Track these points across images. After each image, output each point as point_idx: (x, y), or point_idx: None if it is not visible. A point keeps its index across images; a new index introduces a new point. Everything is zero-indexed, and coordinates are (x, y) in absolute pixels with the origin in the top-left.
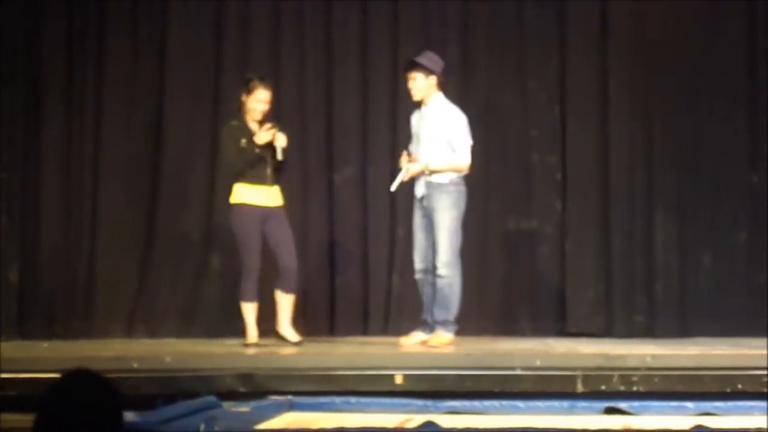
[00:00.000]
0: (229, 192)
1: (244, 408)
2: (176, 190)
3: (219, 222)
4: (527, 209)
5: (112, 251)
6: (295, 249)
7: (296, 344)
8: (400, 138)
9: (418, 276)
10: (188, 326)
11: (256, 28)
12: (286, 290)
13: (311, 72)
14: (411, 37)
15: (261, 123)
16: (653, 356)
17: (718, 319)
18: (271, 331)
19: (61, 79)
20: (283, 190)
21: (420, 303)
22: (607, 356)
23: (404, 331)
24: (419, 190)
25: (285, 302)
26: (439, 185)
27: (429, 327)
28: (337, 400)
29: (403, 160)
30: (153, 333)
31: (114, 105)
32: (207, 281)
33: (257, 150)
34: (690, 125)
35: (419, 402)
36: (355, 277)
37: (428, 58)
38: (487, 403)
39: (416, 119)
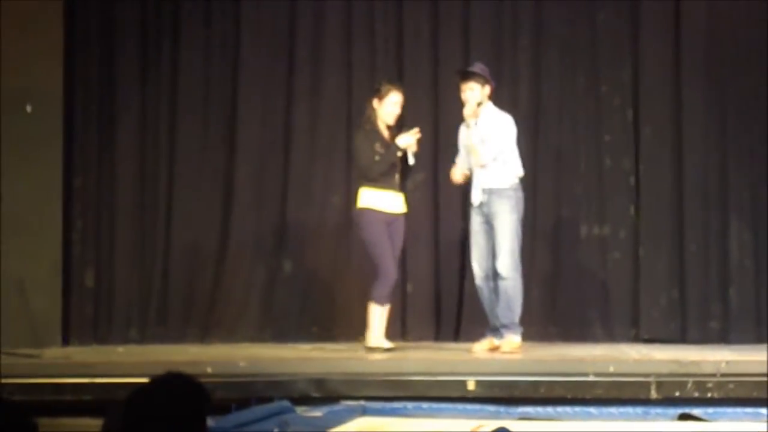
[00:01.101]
0: (355, 196)
1: (317, 413)
2: (250, 193)
3: (292, 226)
4: (600, 214)
5: (187, 256)
6: (399, 259)
7: (388, 350)
8: None
9: (479, 282)
10: (262, 331)
11: (328, 31)
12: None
13: (383, 76)
14: (482, 41)
15: (390, 129)
16: (728, 362)
17: None
18: (343, 335)
19: (135, 82)
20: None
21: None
22: (681, 362)
23: (476, 337)
24: (476, 197)
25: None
26: (499, 190)
27: (499, 332)
28: (410, 405)
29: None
30: (227, 338)
31: (188, 108)
32: (280, 286)
33: (399, 153)
34: (765, 128)
35: (491, 408)
36: (427, 283)
37: (480, 68)
38: (560, 409)
39: (465, 130)
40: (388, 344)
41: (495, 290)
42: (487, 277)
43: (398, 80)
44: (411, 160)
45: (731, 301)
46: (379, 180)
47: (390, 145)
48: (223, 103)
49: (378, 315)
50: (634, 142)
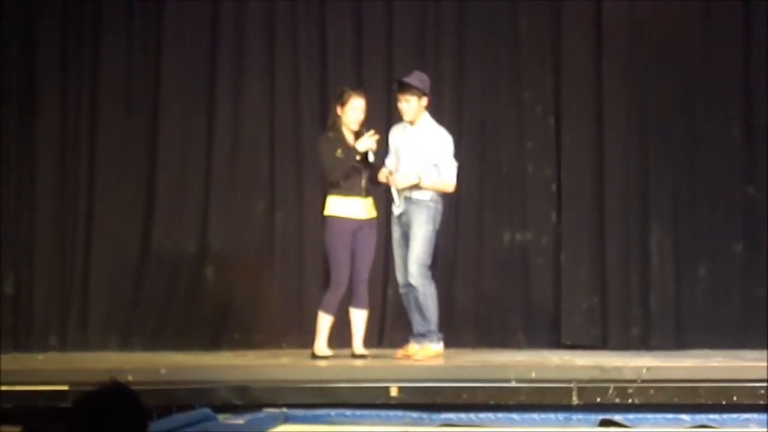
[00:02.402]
0: (322, 204)
1: (239, 420)
2: (171, 200)
3: (214, 232)
4: (522, 221)
5: (108, 263)
6: (370, 264)
7: (363, 357)
8: None
9: (402, 291)
10: (183, 339)
11: (250, 36)
12: (357, 305)
13: (306, 78)
14: (405, 47)
15: (356, 134)
16: (649, 368)
17: (714, 330)
18: (265, 342)
19: (55, 91)
20: (376, 202)
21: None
22: (602, 368)
23: (399, 344)
24: (397, 207)
25: (357, 318)
26: (419, 201)
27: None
28: (333, 412)
29: (386, 173)
30: (148, 345)
31: (109, 114)
32: (202, 294)
33: (358, 158)
34: (685, 136)
35: (414, 414)
36: (350, 290)
37: (420, 79)
38: (482, 415)
39: (398, 135)
40: (328, 352)
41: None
42: (408, 286)
43: (359, 86)
44: (371, 158)
45: (652, 307)
46: (344, 187)
47: (350, 151)
48: (145, 111)
49: (323, 323)
50: (555, 149)
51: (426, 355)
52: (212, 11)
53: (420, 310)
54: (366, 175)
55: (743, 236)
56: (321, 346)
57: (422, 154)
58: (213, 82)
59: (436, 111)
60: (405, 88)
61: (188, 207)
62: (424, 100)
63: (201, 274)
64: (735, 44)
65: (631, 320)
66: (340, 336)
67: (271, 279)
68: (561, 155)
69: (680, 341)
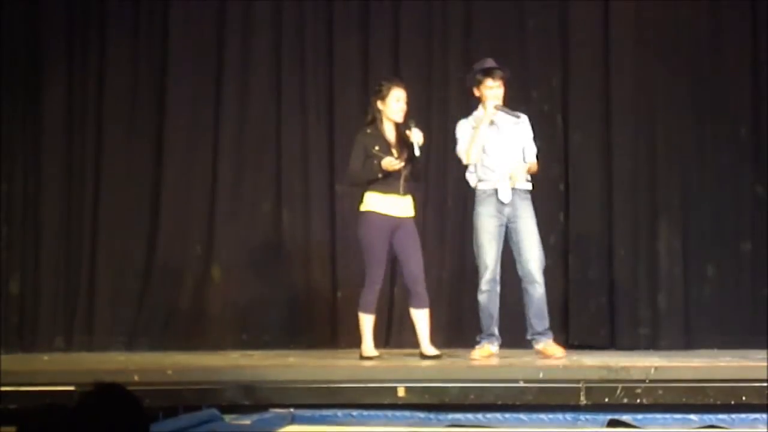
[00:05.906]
0: (359, 200)
1: (245, 421)
2: (178, 200)
3: (221, 232)
4: None
5: (114, 263)
6: (421, 261)
7: (434, 357)
8: None
9: (486, 287)
10: (190, 339)
11: (257, 33)
12: (418, 305)
13: (312, 78)
14: (413, 45)
15: (398, 126)
16: (657, 368)
17: (723, 330)
18: (273, 342)
19: (62, 89)
20: (415, 201)
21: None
22: (610, 368)
23: (405, 344)
24: (507, 195)
25: (420, 318)
26: (525, 193)
27: (498, 339)
28: (339, 413)
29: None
30: (155, 346)
31: (115, 115)
32: (209, 294)
33: (380, 175)
34: (694, 135)
35: (422, 415)
36: (357, 289)
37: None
38: (490, 415)
39: (472, 126)
40: (375, 353)
41: (528, 294)
42: (495, 281)
43: (397, 76)
44: (417, 152)
45: (660, 307)
46: (380, 183)
47: (389, 146)
48: (151, 111)
49: (366, 323)
50: (563, 148)
51: (554, 352)
52: (218, 11)
53: (542, 308)
54: (405, 173)
55: (751, 235)
56: (368, 347)
57: (512, 142)
58: (219, 81)
59: (442, 110)
60: (503, 74)
61: (194, 207)
62: (475, 91)
63: (207, 274)
64: (743, 42)
65: (640, 320)
66: (349, 337)
67: (277, 279)
68: (568, 154)
69: (689, 341)
